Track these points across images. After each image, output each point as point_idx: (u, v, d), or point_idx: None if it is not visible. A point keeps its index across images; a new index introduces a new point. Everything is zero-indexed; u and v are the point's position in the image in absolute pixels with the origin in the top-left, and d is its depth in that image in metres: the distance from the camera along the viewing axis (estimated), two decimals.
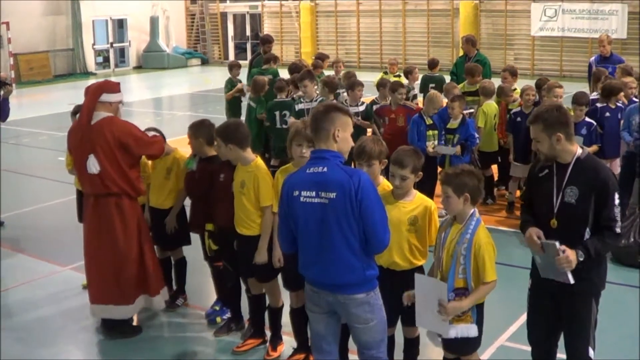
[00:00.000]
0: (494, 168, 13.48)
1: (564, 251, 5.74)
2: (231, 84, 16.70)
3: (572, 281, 5.80)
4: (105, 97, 8.17)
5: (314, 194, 5.65)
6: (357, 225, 5.60)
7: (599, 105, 11.91)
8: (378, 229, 5.64)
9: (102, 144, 7.97)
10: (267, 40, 18.74)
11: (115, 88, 8.36)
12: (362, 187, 5.56)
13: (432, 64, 17.40)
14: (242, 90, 16.48)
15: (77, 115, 8.65)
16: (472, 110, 13.20)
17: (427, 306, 6.08)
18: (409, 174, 6.48)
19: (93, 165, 8.00)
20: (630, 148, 11.08)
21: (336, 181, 5.59)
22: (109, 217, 8.15)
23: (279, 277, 7.74)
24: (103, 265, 8.23)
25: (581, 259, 5.77)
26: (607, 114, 11.63)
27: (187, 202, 8.83)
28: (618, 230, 5.93)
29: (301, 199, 5.71)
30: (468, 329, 6.11)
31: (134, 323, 8.66)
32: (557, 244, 5.79)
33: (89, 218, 8.32)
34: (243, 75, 17.44)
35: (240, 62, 19.02)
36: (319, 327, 6.06)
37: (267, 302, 7.97)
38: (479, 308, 6.17)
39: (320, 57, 18.27)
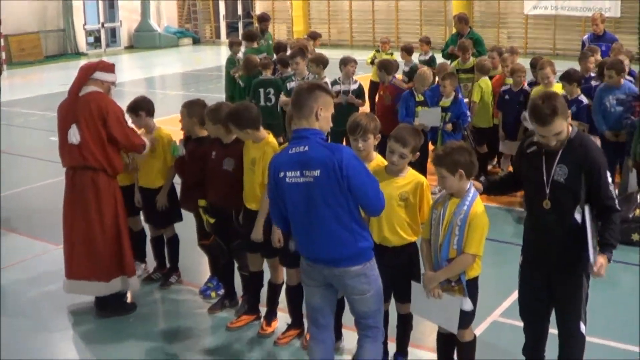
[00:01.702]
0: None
1: (597, 267, 5.78)
2: (231, 61, 16.62)
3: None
4: (98, 74, 8.16)
5: (298, 173, 5.70)
6: (345, 200, 5.65)
7: (593, 83, 11.90)
8: (371, 197, 5.76)
9: (86, 115, 7.95)
10: (264, 19, 18.74)
11: (109, 68, 8.33)
12: (346, 163, 5.60)
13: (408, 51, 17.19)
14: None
15: None
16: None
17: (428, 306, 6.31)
18: (409, 153, 6.49)
19: (74, 135, 7.96)
20: (609, 138, 11.07)
21: (318, 159, 5.63)
22: (84, 191, 8.09)
23: None
24: (76, 240, 8.20)
25: (610, 258, 5.85)
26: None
27: (177, 179, 8.87)
28: (618, 207, 5.97)
29: (287, 180, 5.75)
30: (461, 302, 6.14)
31: (128, 300, 8.67)
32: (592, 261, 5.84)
33: (66, 192, 8.27)
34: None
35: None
36: (315, 300, 6.11)
37: (269, 278, 8.00)
38: (471, 283, 6.19)
39: (312, 36, 18.21)
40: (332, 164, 5.57)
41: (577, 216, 5.95)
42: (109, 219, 8.17)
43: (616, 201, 5.96)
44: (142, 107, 8.91)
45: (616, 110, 11.00)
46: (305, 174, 5.66)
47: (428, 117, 11.80)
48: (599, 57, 13.12)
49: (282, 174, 5.78)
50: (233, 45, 16.99)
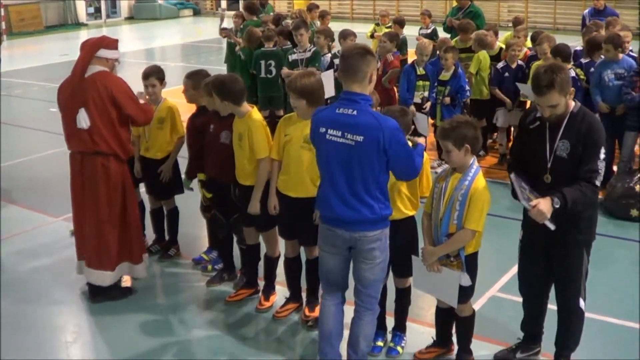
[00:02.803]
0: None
1: (533, 206, 5.74)
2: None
3: (552, 227, 5.80)
4: (102, 52, 7.94)
5: (339, 133, 5.79)
6: (379, 169, 5.79)
7: (583, 60, 11.83)
8: (409, 165, 5.95)
9: (94, 97, 7.73)
10: None
11: (113, 44, 8.13)
12: (390, 137, 5.69)
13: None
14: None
15: None
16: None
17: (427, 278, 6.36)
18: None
19: (83, 120, 7.73)
20: (602, 109, 11.03)
21: (365, 126, 5.71)
22: (94, 178, 7.88)
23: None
24: (86, 226, 8.06)
25: (557, 206, 5.75)
26: (592, 69, 11.47)
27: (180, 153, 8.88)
28: (597, 182, 5.91)
29: (327, 136, 5.85)
30: (460, 277, 6.15)
31: (127, 284, 8.54)
32: (527, 202, 5.82)
33: (74, 176, 8.06)
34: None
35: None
36: (330, 264, 6.24)
37: (265, 251, 7.98)
38: (470, 258, 6.19)
39: (310, 8, 18.12)
40: (378, 135, 5.67)
41: None
42: (118, 206, 8.01)
43: (599, 177, 5.90)
44: (162, 76, 8.91)
45: (614, 84, 10.95)
46: (347, 136, 5.75)
47: (420, 123, 11.76)
48: (603, 32, 13.05)
49: (323, 130, 5.89)
50: (237, 17, 16.92)
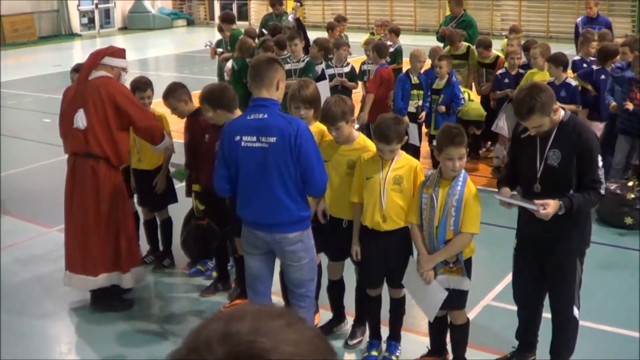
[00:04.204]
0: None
1: (543, 207, 5.76)
2: (219, 44, 16.64)
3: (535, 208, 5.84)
4: (108, 59, 7.97)
5: (254, 138, 6.01)
6: (294, 169, 5.99)
7: (595, 67, 11.89)
8: (315, 172, 6.05)
9: (95, 99, 7.74)
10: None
11: (120, 53, 8.16)
12: (301, 133, 5.95)
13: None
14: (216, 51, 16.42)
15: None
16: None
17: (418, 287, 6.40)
18: (396, 146, 6.52)
19: (80, 120, 7.73)
20: (612, 110, 11.04)
21: (276, 127, 5.97)
22: (83, 180, 7.84)
23: None
24: (72, 230, 8.00)
25: (561, 213, 5.78)
26: (603, 77, 11.49)
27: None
28: (602, 191, 5.97)
29: (242, 143, 6.07)
30: (461, 281, 6.20)
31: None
32: (532, 206, 5.84)
33: (67, 180, 8.03)
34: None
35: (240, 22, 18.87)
36: (254, 268, 6.44)
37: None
38: (467, 263, 6.23)
39: (337, 20, 18.00)
40: (288, 133, 5.92)
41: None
42: (105, 211, 7.89)
43: (603, 185, 5.96)
44: (151, 87, 8.99)
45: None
46: (262, 139, 5.98)
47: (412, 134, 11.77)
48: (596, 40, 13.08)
49: (237, 138, 6.08)
50: (221, 30, 16.98)
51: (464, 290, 6.28)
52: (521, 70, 12.39)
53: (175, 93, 8.39)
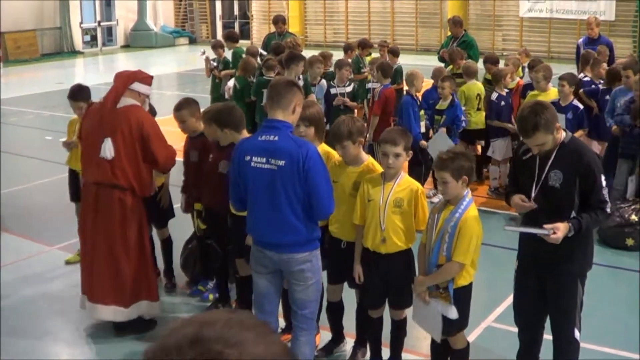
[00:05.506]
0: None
1: (553, 231, 5.77)
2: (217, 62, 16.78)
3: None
4: (137, 86, 7.84)
5: (264, 160, 6.04)
6: (302, 192, 6.00)
7: (601, 87, 11.94)
8: (323, 197, 6.05)
9: (124, 130, 7.57)
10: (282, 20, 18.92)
11: (147, 80, 8.06)
12: (310, 158, 5.96)
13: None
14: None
15: (88, 100, 8.72)
16: None
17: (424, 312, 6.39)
18: (402, 151, 6.52)
19: (108, 149, 7.54)
20: (614, 132, 11.05)
21: (286, 150, 5.97)
22: (109, 212, 7.69)
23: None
24: (97, 261, 7.82)
25: (570, 235, 5.80)
26: (607, 97, 11.56)
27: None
28: (609, 210, 6.01)
29: (252, 164, 6.09)
30: (447, 309, 6.17)
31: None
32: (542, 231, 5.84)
33: (86, 208, 7.92)
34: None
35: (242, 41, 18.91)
36: (262, 287, 6.41)
37: None
38: (462, 291, 6.21)
39: (362, 45, 17.83)
40: (297, 157, 5.93)
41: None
42: (133, 241, 7.81)
43: (608, 205, 5.99)
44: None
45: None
46: (271, 161, 6.00)
47: (438, 143, 11.62)
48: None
49: (248, 158, 6.11)
50: (217, 47, 17.13)
51: (450, 318, 6.24)
52: (507, 90, 12.52)
53: (190, 106, 8.46)
